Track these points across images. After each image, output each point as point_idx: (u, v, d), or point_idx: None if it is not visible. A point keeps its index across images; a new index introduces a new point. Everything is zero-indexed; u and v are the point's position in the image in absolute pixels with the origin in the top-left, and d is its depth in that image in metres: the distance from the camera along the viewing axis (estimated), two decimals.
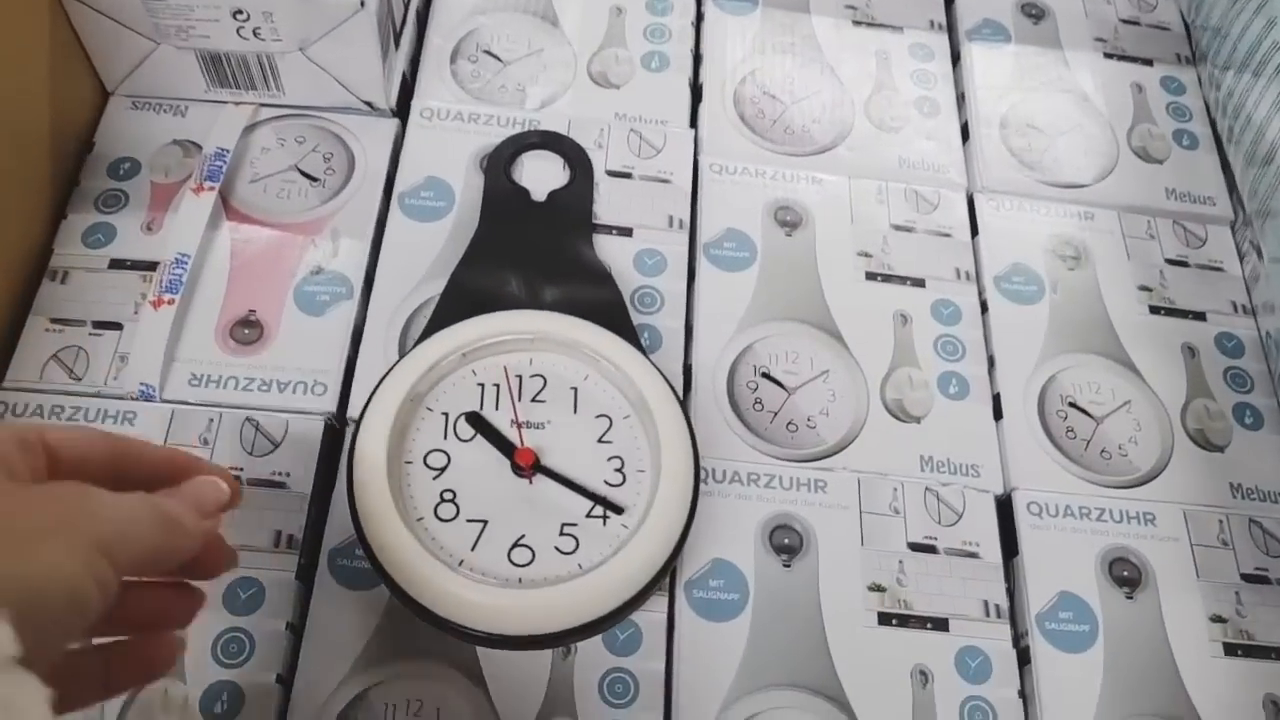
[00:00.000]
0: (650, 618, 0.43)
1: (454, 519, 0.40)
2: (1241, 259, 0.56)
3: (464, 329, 0.43)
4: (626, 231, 0.51)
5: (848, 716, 0.42)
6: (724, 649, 0.42)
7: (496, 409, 0.42)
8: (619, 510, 0.40)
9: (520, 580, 0.38)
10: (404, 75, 0.55)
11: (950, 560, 0.45)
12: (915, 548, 0.45)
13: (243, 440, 0.45)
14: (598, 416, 0.42)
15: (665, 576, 0.40)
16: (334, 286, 0.49)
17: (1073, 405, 0.50)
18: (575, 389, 0.43)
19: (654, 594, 0.40)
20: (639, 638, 0.42)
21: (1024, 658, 0.44)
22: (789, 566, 0.44)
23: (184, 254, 0.48)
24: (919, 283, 0.52)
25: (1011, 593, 0.45)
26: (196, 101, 0.54)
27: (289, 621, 0.42)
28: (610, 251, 0.50)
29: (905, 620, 0.44)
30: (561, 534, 0.40)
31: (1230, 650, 0.45)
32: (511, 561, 0.39)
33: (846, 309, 0.51)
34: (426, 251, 0.50)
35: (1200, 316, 0.54)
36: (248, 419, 0.45)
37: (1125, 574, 0.46)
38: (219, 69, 0.52)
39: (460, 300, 0.46)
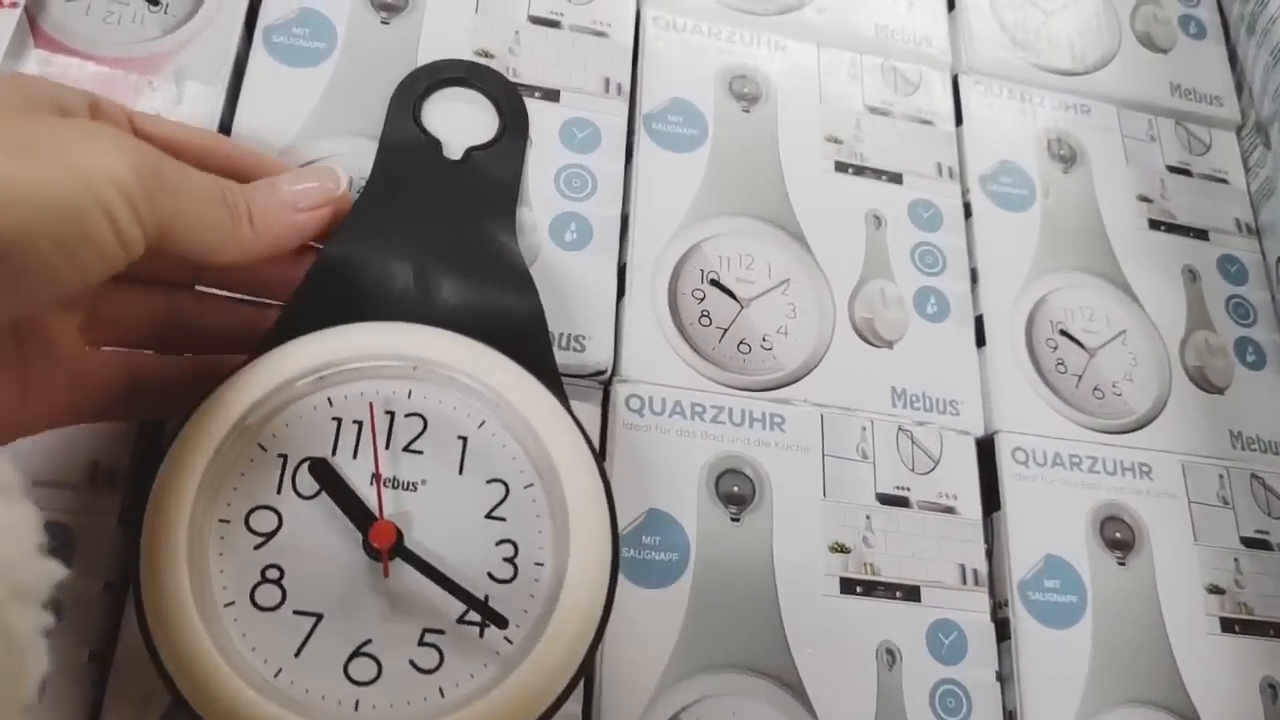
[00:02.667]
0: None
1: (277, 607, 0.29)
2: (1247, 170, 0.49)
3: (325, 342, 0.31)
4: (552, 95, 0.41)
5: (801, 704, 0.35)
6: (658, 622, 0.35)
7: (355, 457, 0.30)
8: (501, 623, 0.29)
9: (358, 705, 0.28)
10: None
11: (924, 516, 0.38)
12: (885, 500, 0.38)
13: None
14: (490, 482, 0.31)
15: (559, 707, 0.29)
16: None
17: (1064, 333, 0.43)
18: (465, 440, 0.31)
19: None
20: None
21: (1003, 632, 0.38)
22: (738, 520, 0.37)
23: None
24: (895, 178, 0.44)
25: (990, 554, 0.39)
26: None
27: None
28: (532, 120, 0.40)
29: (871, 588, 0.37)
30: (422, 642, 0.29)
31: (1227, 626, 0.39)
32: (349, 676, 0.28)
33: (811, 205, 0.43)
34: (299, 103, 0.40)
35: (1202, 235, 0.47)
36: None
37: (1118, 535, 0.39)
38: None
39: (325, 295, 0.32)
